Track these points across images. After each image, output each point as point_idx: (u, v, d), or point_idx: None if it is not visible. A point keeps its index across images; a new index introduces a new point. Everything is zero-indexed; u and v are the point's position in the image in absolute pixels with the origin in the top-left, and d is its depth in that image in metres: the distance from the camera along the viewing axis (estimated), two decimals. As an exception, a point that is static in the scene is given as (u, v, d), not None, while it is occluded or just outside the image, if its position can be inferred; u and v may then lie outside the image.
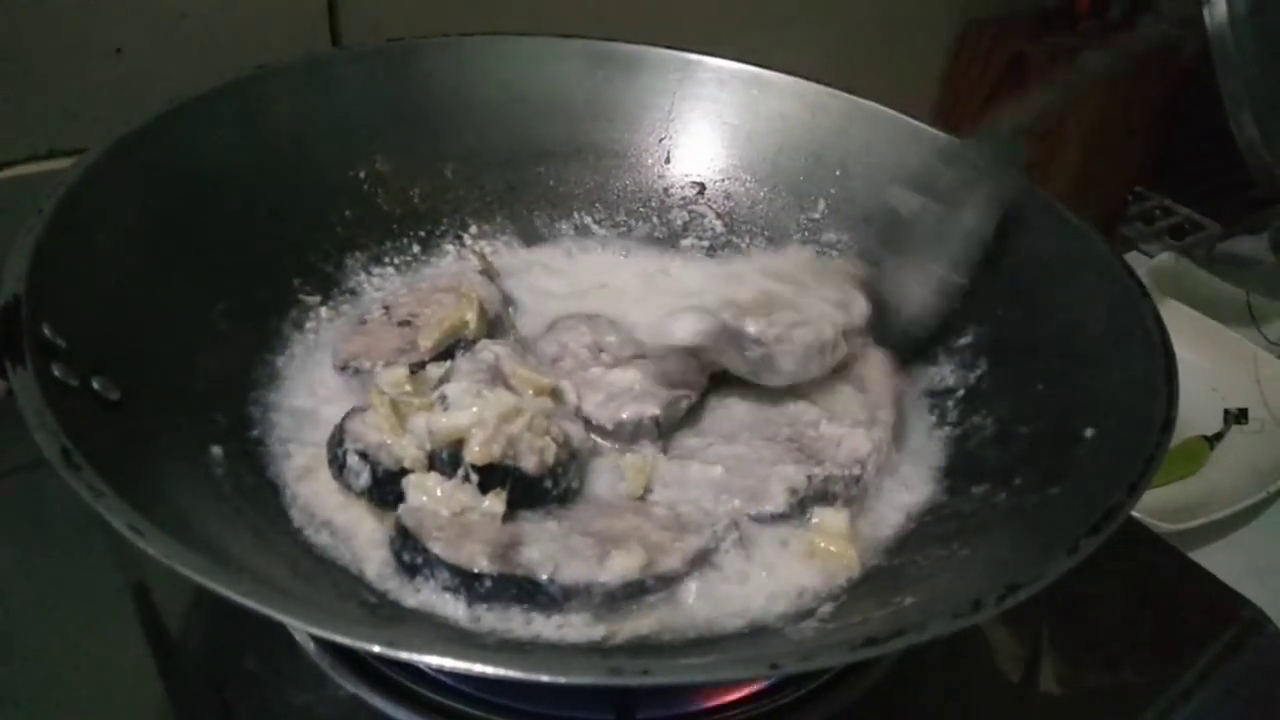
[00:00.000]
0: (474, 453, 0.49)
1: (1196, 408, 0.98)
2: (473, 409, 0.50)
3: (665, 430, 0.58)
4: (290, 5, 0.77)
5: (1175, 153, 1.38)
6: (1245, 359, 1.03)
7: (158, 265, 0.55)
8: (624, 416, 0.57)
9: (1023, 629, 0.63)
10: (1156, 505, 0.87)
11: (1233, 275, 1.22)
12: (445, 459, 0.50)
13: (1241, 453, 0.95)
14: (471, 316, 0.60)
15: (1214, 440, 0.96)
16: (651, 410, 0.57)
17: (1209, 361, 1.02)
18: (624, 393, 0.58)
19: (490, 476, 0.49)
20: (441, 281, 0.65)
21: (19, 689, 0.53)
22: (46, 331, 0.44)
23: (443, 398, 0.51)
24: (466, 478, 0.49)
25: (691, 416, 0.60)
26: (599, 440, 0.57)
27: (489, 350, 0.57)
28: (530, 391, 0.54)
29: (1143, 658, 0.63)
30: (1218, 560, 0.72)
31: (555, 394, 0.56)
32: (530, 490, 0.51)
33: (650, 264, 0.75)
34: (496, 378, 0.54)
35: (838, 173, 0.74)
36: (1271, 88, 1.05)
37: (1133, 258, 1.30)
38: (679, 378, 0.59)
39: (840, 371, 0.63)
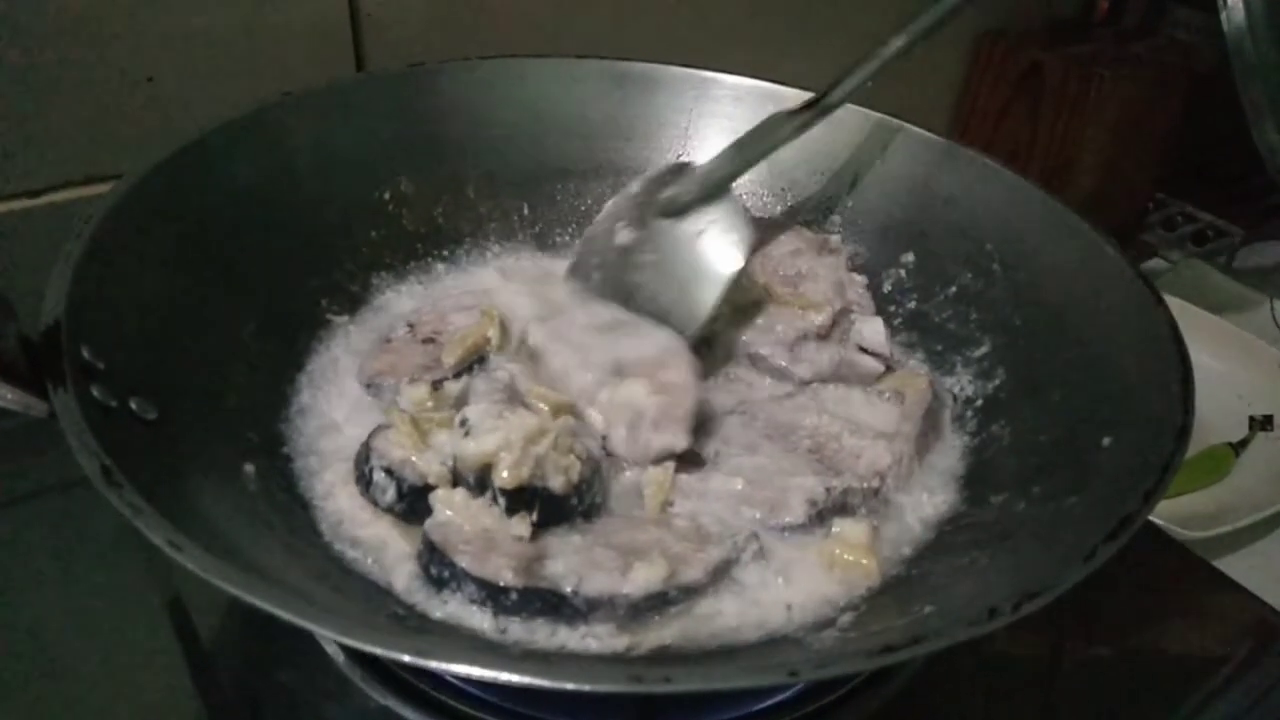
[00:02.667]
0: (502, 478, 0.50)
1: (1221, 414, 0.97)
2: (498, 432, 0.50)
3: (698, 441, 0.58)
4: (316, 32, 0.79)
5: (1196, 159, 1.37)
6: (1270, 365, 1.02)
7: (191, 287, 0.57)
8: (655, 449, 0.57)
9: (1047, 636, 0.63)
10: (1182, 512, 0.86)
11: (1256, 281, 1.21)
12: (472, 482, 0.51)
13: (1267, 459, 0.94)
14: (494, 333, 0.62)
15: (1239, 447, 0.95)
16: (681, 443, 0.57)
17: (1233, 368, 1.01)
18: (640, 418, 0.57)
19: (518, 499, 0.50)
20: (465, 299, 0.67)
21: (58, 702, 0.54)
22: (86, 354, 0.46)
23: (464, 421, 0.52)
24: (494, 500, 0.50)
25: (714, 426, 0.61)
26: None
27: (503, 369, 0.58)
28: (547, 409, 0.55)
29: (1167, 665, 0.63)
30: (1243, 567, 0.72)
31: (573, 410, 0.57)
32: (558, 508, 0.52)
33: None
34: (514, 396, 0.55)
35: (854, 186, 0.75)
36: (1292, 93, 1.05)
37: (1155, 264, 1.30)
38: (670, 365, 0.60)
39: (880, 381, 0.64)
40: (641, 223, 0.67)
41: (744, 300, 0.69)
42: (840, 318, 0.67)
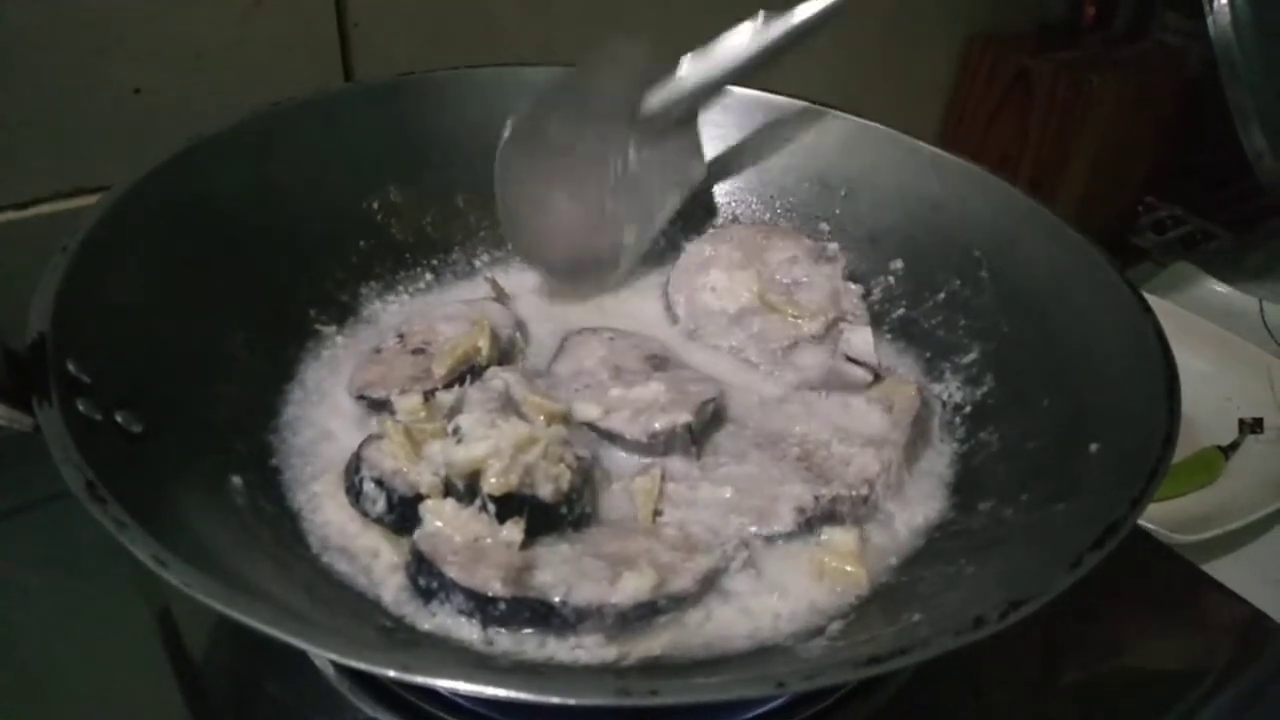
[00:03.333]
0: (491, 484, 0.50)
1: (1211, 418, 0.98)
2: (488, 440, 0.50)
3: (697, 435, 0.59)
4: (303, 42, 0.79)
5: (1185, 162, 1.38)
6: (1259, 368, 1.03)
7: (178, 299, 0.57)
8: (657, 427, 0.57)
9: (1039, 640, 0.63)
10: (1172, 516, 0.86)
11: (1245, 284, 1.22)
12: (462, 489, 0.51)
13: (1257, 462, 0.94)
14: (484, 343, 0.61)
15: (1229, 450, 0.95)
16: (684, 418, 0.58)
17: (1223, 371, 1.02)
18: (650, 405, 0.59)
19: (507, 506, 0.50)
20: (454, 309, 0.66)
21: (46, 716, 0.54)
22: (71, 368, 0.46)
23: (456, 429, 0.52)
24: (484, 507, 0.50)
25: (703, 435, 0.61)
26: (630, 455, 0.58)
27: (499, 378, 0.58)
28: (542, 418, 0.55)
29: (1157, 669, 0.63)
30: (1233, 571, 0.72)
31: (567, 419, 0.57)
32: (547, 517, 0.51)
33: (661, 286, 0.76)
34: (508, 406, 0.55)
35: (842, 193, 0.75)
36: (1278, 96, 1.06)
37: (1145, 268, 1.30)
38: (696, 384, 0.61)
39: (869, 389, 0.64)
40: (582, 121, 0.68)
41: (736, 305, 0.70)
42: (833, 327, 0.67)
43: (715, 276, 0.71)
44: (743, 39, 0.66)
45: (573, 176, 0.68)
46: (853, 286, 0.71)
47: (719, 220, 0.78)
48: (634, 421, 0.58)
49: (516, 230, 0.65)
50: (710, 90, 0.69)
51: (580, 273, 0.71)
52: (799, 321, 0.68)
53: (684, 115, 0.70)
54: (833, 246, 0.73)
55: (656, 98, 0.69)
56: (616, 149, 0.69)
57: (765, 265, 0.71)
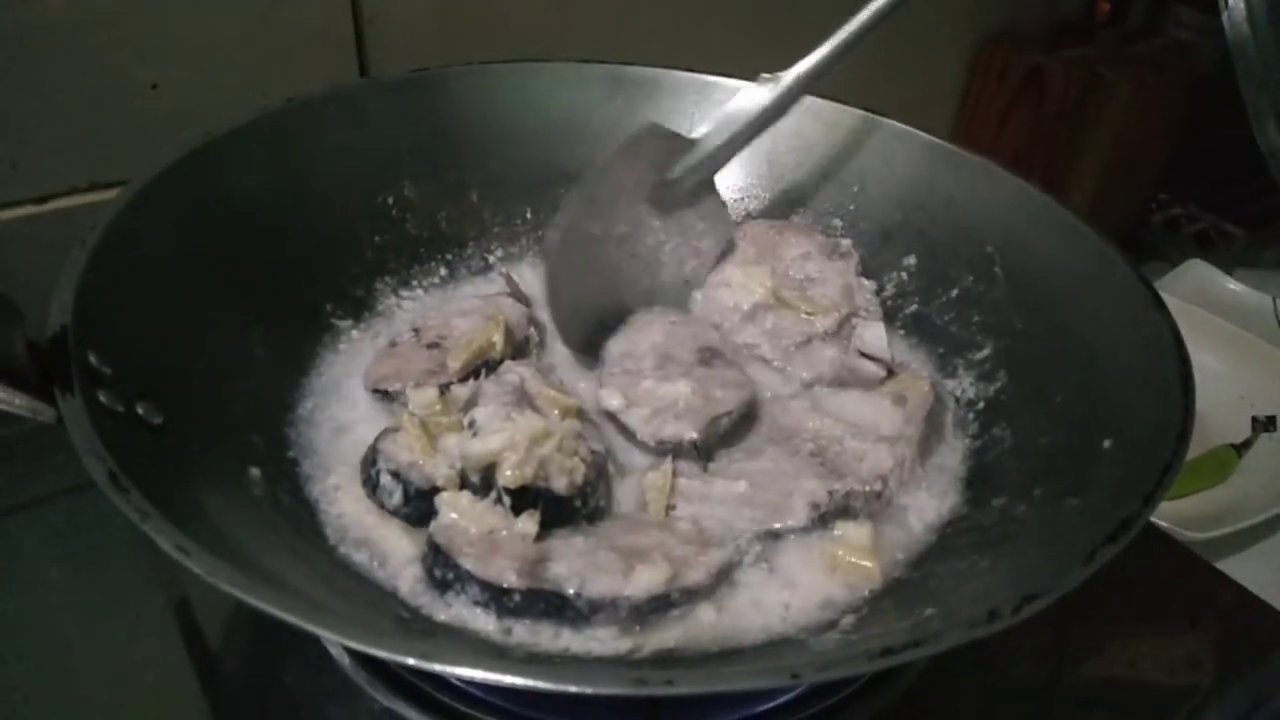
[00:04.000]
0: (506, 476, 0.50)
1: (1224, 415, 0.97)
2: (503, 433, 0.51)
3: (704, 451, 0.59)
4: (319, 38, 0.79)
5: (1199, 160, 1.37)
6: (1273, 366, 1.02)
7: (196, 293, 0.57)
8: (665, 435, 0.58)
9: (1050, 637, 0.63)
10: (1185, 513, 0.87)
11: (1259, 282, 1.21)
12: (477, 482, 0.51)
13: (1270, 460, 0.94)
14: (498, 338, 0.62)
15: (1242, 448, 0.95)
16: (689, 434, 0.58)
17: (1236, 369, 1.01)
18: (669, 407, 0.59)
19: (522, 498, 0.50)
20: (469, 304, 0.67)
21: (66, 704, 0.55)
22: (93, 360, 0.46)
23: (472, 422, 0.52)
24: (499, 500, 0.51)
25: (714, 447, 0.60)
26: (642, 452, 0.59)
27: (513, 372, 0.58)
28: (556, 412, 0.55)
29: (1170, 667, 0.63)
30: (1245, 568, 0.72)
31: (581, 413, 0.57)
32: (561, 510, 0.52)
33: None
34: (523, 399, 0.56)
35: (855, 189, 0.75)
36: (1294, 94, 1.05)
37: (1158, 265, 1.30)
38: (726, 389, 0.61)
39: (882, 385, 0.64)
40: (614, 207, 0.68)
41: (750, 301, 0.70)
42: (846, 323, 0.68)
43: (729, 272, 0.71)
44: (747, 104, 0.68)
45: (608, 263, 0.69)
46: (866, 282, 0.71)
47: (732, 217, 0.78)
48: (648, 423, 0.58)
49: (572, 331, 0.65)
50: (722, 155, 0.70)
51: None
52: (812, 317, 0.68)
53: (701, 184, 0.71)
54: (846, 242, 0.73)
55: (675, 168, 0.69)
56: (645, 229, 0.70)
57: (779, 261, 0.72)
